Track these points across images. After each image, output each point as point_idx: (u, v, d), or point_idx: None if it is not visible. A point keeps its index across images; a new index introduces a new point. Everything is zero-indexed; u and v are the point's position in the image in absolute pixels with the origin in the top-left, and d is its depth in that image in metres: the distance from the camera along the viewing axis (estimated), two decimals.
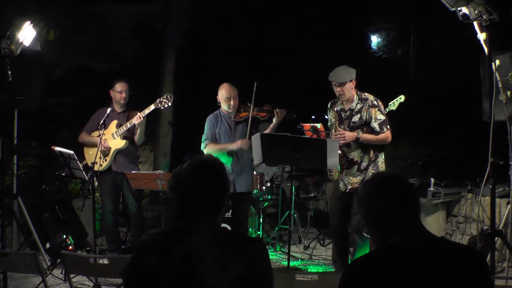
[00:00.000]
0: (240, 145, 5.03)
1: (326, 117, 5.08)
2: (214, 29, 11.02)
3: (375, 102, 4.74)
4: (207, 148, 5.12)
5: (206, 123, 5.20)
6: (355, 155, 4.75)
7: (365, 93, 4.81)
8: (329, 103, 5.00)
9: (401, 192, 1.95)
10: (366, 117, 4.71)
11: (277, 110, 4.98)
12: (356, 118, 4.75)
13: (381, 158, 4.82)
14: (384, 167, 4.83)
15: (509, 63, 4.35)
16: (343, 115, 4.82)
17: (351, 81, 4.69)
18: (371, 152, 4.77)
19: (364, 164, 4.76)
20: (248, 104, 5.11)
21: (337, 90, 4.71)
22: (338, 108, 4.84)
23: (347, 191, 4.81)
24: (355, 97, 4.76)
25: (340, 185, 4.86)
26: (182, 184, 2.08)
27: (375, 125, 4.70)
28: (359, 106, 4.75)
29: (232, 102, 5.05)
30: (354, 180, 4.76)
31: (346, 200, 4.82)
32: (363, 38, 11.57)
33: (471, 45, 4.53)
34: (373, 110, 4.71)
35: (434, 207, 6.04)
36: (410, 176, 6.52)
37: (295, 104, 5.66)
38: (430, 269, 1.81)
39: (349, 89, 4.70)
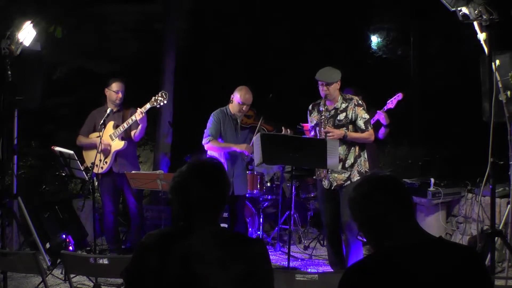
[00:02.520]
0: (246, 148, 5.10)
1: (308, 117, 5.11)
2: (214, 29, 11.01)
3: (360, 102, 4.88)
4: (210, 144, 5.17)
5: (212, 118, 5.26)
6: (340, 152, 4.79)
7: (348, 94, 4.99)
8: (310, 105, 5.09)
9: (397, 192, 1.93)
10: (352, 115, 4.82)
11: (286, 128, 5.31)
12: (341, 117, 4.84)
13: (364, 156, 4.91)
14: (367, 165, 4.90)
15: (509, 63, 4.35)
16: (327, 115, 4.87)
17: (337, 81, 4.82)
18: (356, 149, 4.85)
19: (349, 161, 4.83)
20: (255, 113, 5.20)
21: (323, 89, 4.82)
22: (322, 108, 4.90)
23: (332, 188, 4.87)
24: (339, 97, 4.89)
25: (324, 183, 4.91)
26: (183, 185, 2.08)
27: (360, 123, 4.81)
28: (344, 105, 4.86)
29: (244, 109, 5.20)
30: (339, 177, 4.83)
31: (333, 197, 4.89)
32: (363, 38, 11.56)
33: (471, 45, 4.53)
34: (358, 109, 4.83)
35: (434, 207, 6.03)
36: (410, 176, 6.53)
37: (295, 104, 5.67)
38: (430, 270, 1.80)
39: (335, 89, 4.84)
